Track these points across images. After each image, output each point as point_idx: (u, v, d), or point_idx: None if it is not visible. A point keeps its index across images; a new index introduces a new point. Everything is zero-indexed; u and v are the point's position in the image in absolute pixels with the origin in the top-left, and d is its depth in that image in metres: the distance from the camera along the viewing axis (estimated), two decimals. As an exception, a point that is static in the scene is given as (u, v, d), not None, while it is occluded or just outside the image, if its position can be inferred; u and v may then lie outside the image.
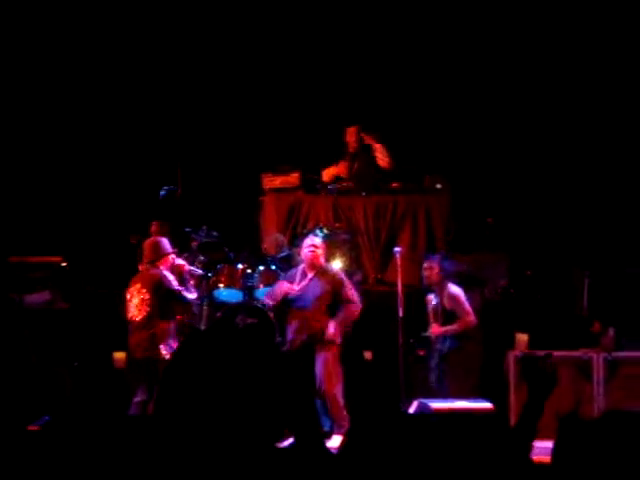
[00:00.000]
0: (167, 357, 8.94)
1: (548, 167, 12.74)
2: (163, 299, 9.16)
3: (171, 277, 9.20)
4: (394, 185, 11.91)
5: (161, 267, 9.26)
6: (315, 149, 12.27)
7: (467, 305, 9.96)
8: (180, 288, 9.16)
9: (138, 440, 2.61)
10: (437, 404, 8.87)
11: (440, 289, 9.97)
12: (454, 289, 9.98)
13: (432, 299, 9.99)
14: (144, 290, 9.16)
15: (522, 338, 10.08)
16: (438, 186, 11.90)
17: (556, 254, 11.86)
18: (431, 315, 9.98)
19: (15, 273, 10.84)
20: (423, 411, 8.65)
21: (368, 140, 11.97)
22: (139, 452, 2.44)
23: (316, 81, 12.79)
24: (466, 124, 12.90)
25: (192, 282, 9.52)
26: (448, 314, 9.91)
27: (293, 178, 11.95)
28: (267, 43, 12.85)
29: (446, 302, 9.91)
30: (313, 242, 9.55)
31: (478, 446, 4.13)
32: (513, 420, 9.37)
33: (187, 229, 11.11)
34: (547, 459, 4.26)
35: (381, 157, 11.96)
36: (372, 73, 12.95)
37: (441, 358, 9.90)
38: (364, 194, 11.81)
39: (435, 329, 9.91)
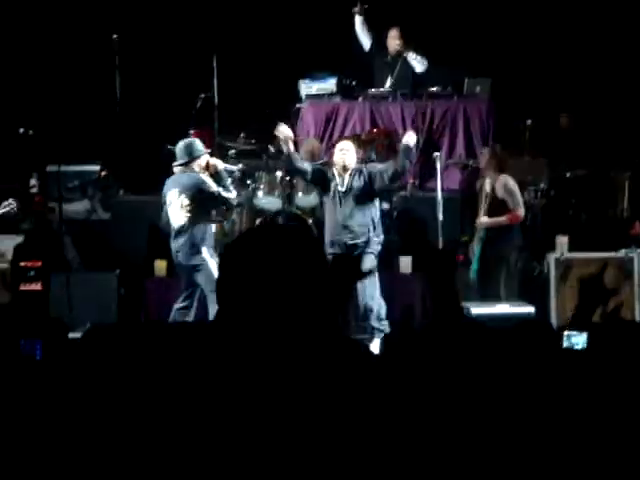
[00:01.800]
0: (209, 262, 8.91)
1: (588, 68, 12.57)
2: (203, 203, 8.93)
3: (208, 179, 8.96)
4: (432, 89, 11.80)
5: (196, 169, 9.01)
6: (352, 55, 12.16)
7: (520, 197, 9.83)
8: (219, 189, 8.93)
9: (185, 347, 2.61)
10: (478, 309, 8.89)
11: (493, 178, 9.74)
12: (510, 180, 9.81)
13: (487, 185, 9.74)
14: (182, 195, 8.93)
15: (562, 240, 10.05)
16: (477, 89, 11.78)
17: (596, 156, 11.74)
18: (483, 203, 9.78)
19: (53, 182, 10.86)
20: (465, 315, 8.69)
21: (403, 46, 11.88)
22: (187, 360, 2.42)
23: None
24: (504, 25, 12.70)
25: (229, 180, 9.26)
26: (498, 204, 9.70)
27: (330, 84, 11.87)
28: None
29: (499, 191, 9.67)
30: (343, 145, 9.44)
31: (519, 349, 4.15)
32: (554, 321, 9.40)
33: (224, 137, 11.08)
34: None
35: (417, 63, 11.88)
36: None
37: (483, 248, 9.75)
38: (402, 98, 11.73)
39: (483, 219, 9.75)
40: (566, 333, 5.62)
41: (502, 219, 9.62)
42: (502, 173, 9.72)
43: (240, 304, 2.31)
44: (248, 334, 2.29)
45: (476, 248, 9.72)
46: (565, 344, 5.51)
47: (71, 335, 6.19)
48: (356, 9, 11.86)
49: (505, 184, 9.65)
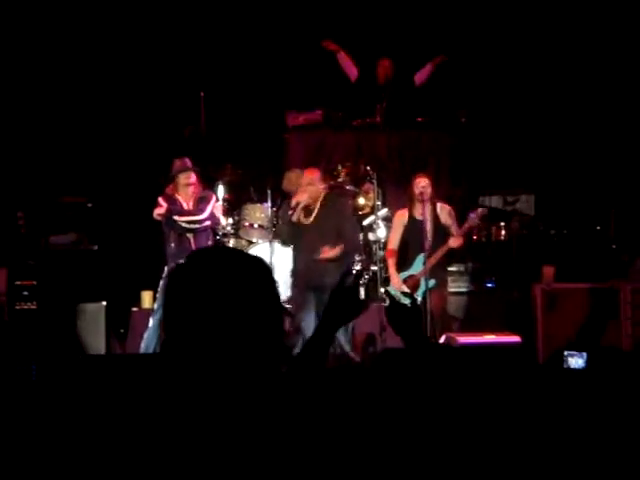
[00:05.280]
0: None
1: (573, 100, 12.62)
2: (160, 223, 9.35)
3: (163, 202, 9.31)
4: (419, 119, 11.82)
5: (167, 190, 9.40)
6: (339, 85, 12.19)
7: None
8: (160, 212, 9.25)
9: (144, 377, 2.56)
10: (464, 338, 8.89)
11: (433, 204, 9.46)
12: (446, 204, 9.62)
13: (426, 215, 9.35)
14: None
15: (548, 271, 10.06)
16: (463, 120, 11.82)
17: (582, 187, 11.81)
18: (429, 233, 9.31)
19: (42, 214, 10.89)
20: (450, 345, 8.67)
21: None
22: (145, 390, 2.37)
23: (339, 15, 12.67)
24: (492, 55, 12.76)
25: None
26: (441, 232, 9.44)
27: (316, 115, 11.89)
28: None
29: (442, 217, 9.47)
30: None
31: (505, 378, 4.15)
32: (541, 352, 9.42)
33: (211, 167, 11.10)
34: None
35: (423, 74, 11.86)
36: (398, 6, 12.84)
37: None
38: (388, 129, 11.74)
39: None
40: (566, 353, 5.64)
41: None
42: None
43: (184, 329, 2.24)
44: (192, 363, 2.23)
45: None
46: (565, 364, 5.53)
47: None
48: (331, 48, 11.94)
49: (447, 208, 9.54)
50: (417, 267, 9.38)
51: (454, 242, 9.31)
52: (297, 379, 2.48)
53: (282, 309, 2.35)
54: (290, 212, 9.22)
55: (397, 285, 9.43)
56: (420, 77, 11.88)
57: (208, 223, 9.39)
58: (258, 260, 2.38)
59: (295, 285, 9.30)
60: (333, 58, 12.03)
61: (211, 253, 2.42)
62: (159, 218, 9.28)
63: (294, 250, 9.41)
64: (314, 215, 9.17)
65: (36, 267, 10.13)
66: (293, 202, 9.15)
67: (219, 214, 9.68)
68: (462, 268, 10.74)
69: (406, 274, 9.42)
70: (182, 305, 2.26)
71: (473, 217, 9.37)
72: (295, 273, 9.31)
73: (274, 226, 10.43)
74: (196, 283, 2.27)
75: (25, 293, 9.79)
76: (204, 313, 2.23)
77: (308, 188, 9.14)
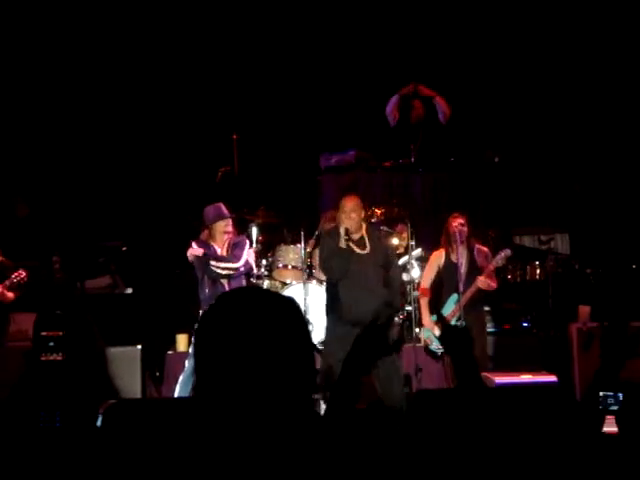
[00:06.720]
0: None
1: (606, 138, 12.59)
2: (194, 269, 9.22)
3: (196, 246, 9.16)
4: (451, 160, 11.83)
5: (201, 236, 9.31)
6: (371, 127, 12.24)
7: None
8: (194, 254, 9.10)
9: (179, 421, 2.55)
10: (500, 378, 8.82)
11: (469, 246, 9.37)
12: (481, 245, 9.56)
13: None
14: None
15: (584, 310, 10.00)
16: (496, 160, 11.82)
17: (617, 225, 11.75)
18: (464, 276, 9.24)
19: (77, 258, 10.96)
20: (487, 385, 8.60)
21: (428, 92, 11.86)
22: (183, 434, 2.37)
23: (371, 59, 12.74)
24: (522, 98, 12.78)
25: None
26: (477, 274, 9.32)
27: (349, 157, 11.93)
28: (326, 22, 12.85)
29: (479, 260, 9.36)
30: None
31: (543, 418, 4.11)
32: (577, 392, 9.33)
33: (244, 210, 11.14)
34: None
35: (443, 109, 11.84)
36: (430, 49, 12.88)
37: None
38: (421, 170, 11.75)
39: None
40: (602, 394, 5.58)
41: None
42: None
43: (216, 371, 2.23)
44: (224, 405, 2.21)
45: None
46: (602, 405, 5.47)
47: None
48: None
49: (483, 249, 9.46)
50: (449, 307, 9.34)
51: (481, 283, 9.26)
52: (332, 419, 2.46)
53: (314, 348, 2.33)
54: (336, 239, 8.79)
55: (428, 325, 9.40)
56: (441, 115, 11.90)
57: (243, 270, 9.35)
58: (288, 300, 2.36)
59: (338, 318, 8.58)
60: (365, 99, 12.08)
61: (241, 294, 2.39)
62: (191, 258, 9.23)
63: (342, 280, 8.66)
64: (369, 246, 8.65)
65: (63, 317, 10.09)
66: (342, 229, 8.76)
67: (252, 260, 9.58)
68: (497, 308, 10.69)
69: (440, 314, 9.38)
70: (214, 347, 2.25)
71: (497, 258, 9.35)
72: (339, 305, 8.62)
73: (309, 265, 10.42)
74: (227, 324, 2.25)
75: (51, 344, 9.70)
76: (236, 355, 2.22)
77: (352, 215, 8.79)
